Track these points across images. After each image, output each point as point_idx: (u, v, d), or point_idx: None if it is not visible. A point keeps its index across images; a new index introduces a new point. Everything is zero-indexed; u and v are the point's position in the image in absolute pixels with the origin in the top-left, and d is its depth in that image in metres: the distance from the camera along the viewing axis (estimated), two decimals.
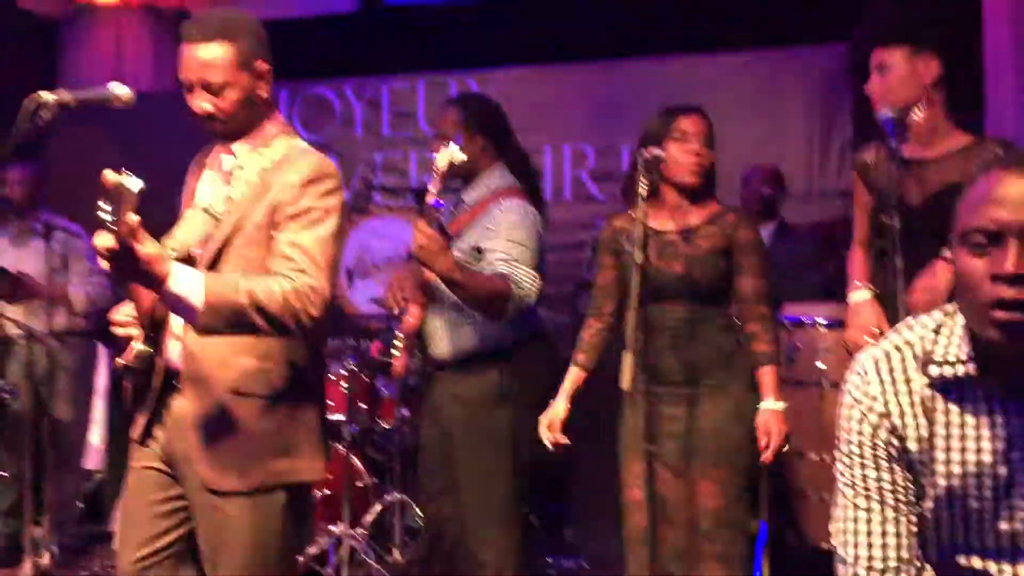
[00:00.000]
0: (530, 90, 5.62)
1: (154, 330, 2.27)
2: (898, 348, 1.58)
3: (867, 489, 1.59)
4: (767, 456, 2.78)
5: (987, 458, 1.51)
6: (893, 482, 1.57)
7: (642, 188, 2.71)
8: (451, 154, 2.69)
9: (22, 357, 4.20)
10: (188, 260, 2.17)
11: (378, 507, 4.29)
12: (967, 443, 1.52)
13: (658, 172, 2.85)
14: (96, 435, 5.15)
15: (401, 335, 3.12)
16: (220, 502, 2.21)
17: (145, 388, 2.29)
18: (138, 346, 2.25)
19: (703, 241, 2.88)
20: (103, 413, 5.25)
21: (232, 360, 2.21)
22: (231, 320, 2.06)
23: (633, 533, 2.86)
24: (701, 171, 2.88)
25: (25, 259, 4.64)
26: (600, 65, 5.76)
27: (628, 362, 2.53)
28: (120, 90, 2.13)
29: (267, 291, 2.09)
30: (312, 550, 4.10)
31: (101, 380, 5.19)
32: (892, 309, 2.64)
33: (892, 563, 1.57)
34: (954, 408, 1.53)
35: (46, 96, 2.03)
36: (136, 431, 2.33)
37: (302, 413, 2.29)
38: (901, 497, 1.57)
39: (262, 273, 2.16)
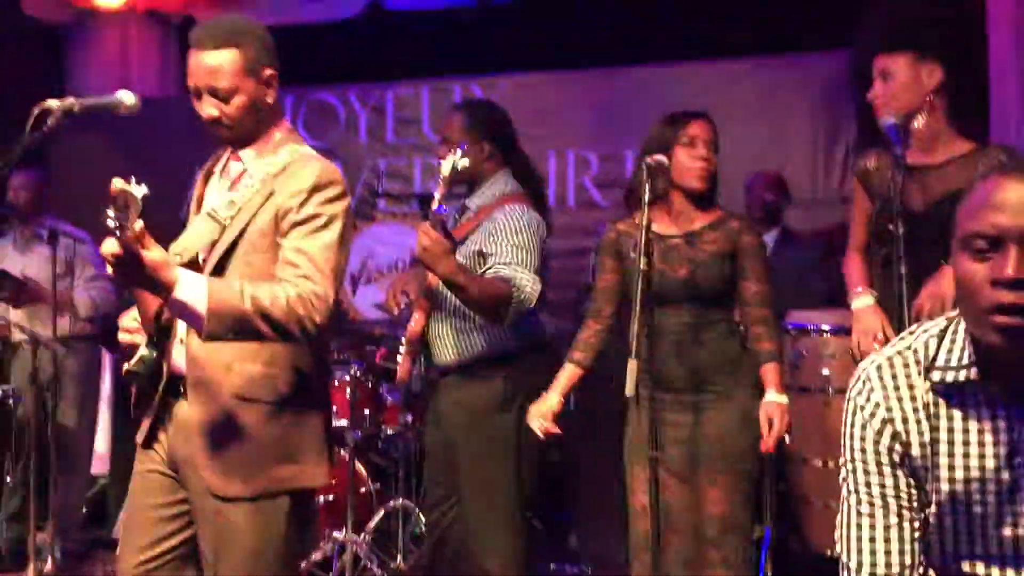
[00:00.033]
0: (534, 96, 5.62)
1: (159, 335, 2.27)
2: (900, 354, 1.58)
3: (870, 495, 1.59)
4: (768, 444, 2.77)
5: (990, 463, 1.51)
6: (896, 488, 1.57)
7: (645, 194, 2.72)
8: (455, 160, 2.70)
9: (27, 362, 4.21)
10: (194, 266, 2.18)
11: (381, 513, 4.29)
12: (970, 448, 1.52)
13: (666, 178, 2.87)
14: (100, 441, 5.16)
15: (405, 341, 3.13)
16: (224, 507, 2.22)
17: (150, 392, 2.30)
18: (143, 350, 2.26)
19: (707, 245, 2.89)
20: (107, 419, 5.26)
21: (237, 366, 2.22)
22: (236, 327, 2.07)
23: (639, 540, 2.86)
24: (709, 176, 2.91)
25: (30, 264, 4.66)
26: (604, 71, 5.77)
27: (632, 368, 2.53)
28: (126, 97, 2.14)
29: (272, 298, 2.09)
30: (315, 556, 4.10)
31: (106, 386, 5.21)
32: (897, 315, 2.64)
33: (895, 569, 1.57)
34: (957, 413, 1.53)
35: (52, 104, 2.04)
36: (140, 435, 2.34)
37: (307, 419, 2.29)
38: (904, 503, 1.57)
39: (267, 279, 2.17)
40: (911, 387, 1.56)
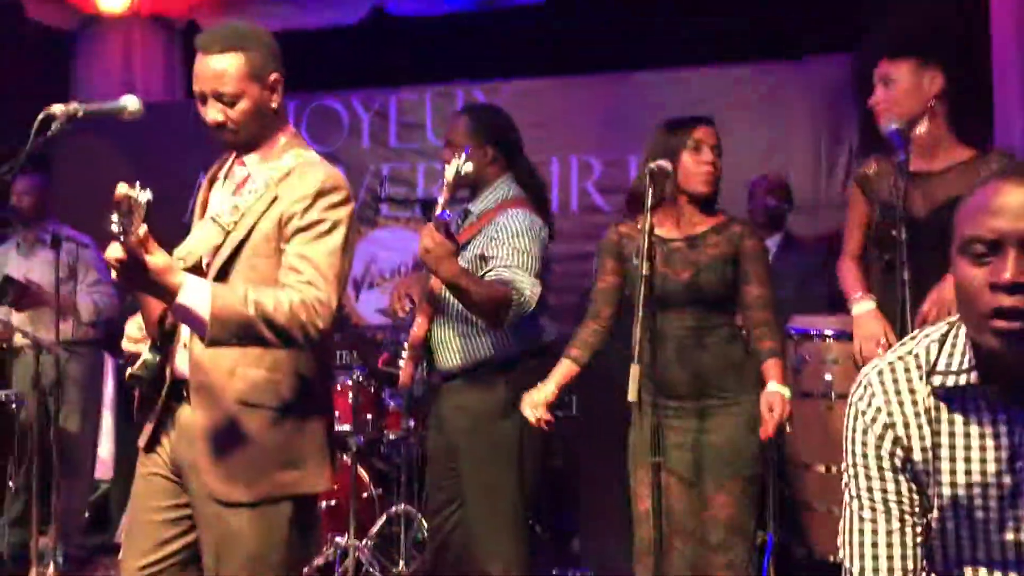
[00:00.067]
0: (537, 101, 5.62)
1: (163, 339, 2.28)
2: (902, 359, 1.58)
3: (872, 500, 1.59)
4: (767, 431, 2.76)
5: (992, 467, 1.51)
6: (898, 493, 1.57)
7: (648, 199, 2.72)
8: (459, 165, 2.71)
9: (30, 366, 4.22)
10: (197, 270, 2.18)
11: (384, 518, 4.29)
12: (971, 452, 1.52)
13: (673, 183, 2.87)
14: (104, 446, 5.16)
15: (407, 346, 3.13)
16: (226, 512, 2.22)
17: (152, 397, 2.30)
18: (146, 355, 2.26)
19: (710, 249, 2.90)
20: (111, 423, 5.27)
21: (241, 371, 2.22)
22: (239, 332, 2.07)
23: (643, 544, 2.87)
24: (714, 181, 2.92)
25: (33, 268, 4.67)
26: (606, 77, 5.77)
27: (635, 373, 2.53)
28: (131, 103, 2.15)
29: (275, 303, 2.09)
30: (318, 561, 4.11)
31: (108, 390, 5.21)
32: (899, 320, 2.64)
33: (898, 574, 1.57)
34: (958, 418, 1.53)
35: (56, 109, 2.05)
36: (143, 439, 2.34)
37: (310, 425, 2.30)
38: (907, 508, 1.57)
39: (271, 284, 2.17)
40: (912, 392, 1.56)
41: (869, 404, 1.59)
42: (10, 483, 4.50)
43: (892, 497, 1.57)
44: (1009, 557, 1.51)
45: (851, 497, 1.62)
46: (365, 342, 4.78)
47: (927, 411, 1.55)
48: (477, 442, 3.02)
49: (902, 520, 1.57)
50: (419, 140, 6.05)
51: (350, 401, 4.28)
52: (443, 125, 5.38)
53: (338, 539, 4.14)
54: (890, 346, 2.53)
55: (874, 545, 1.58)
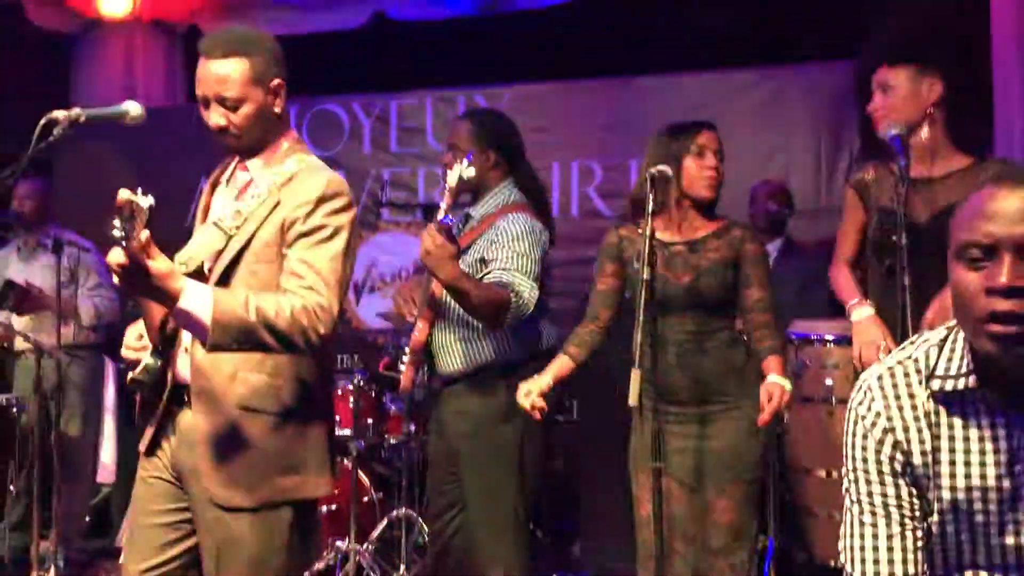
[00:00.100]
0: (538, 106, 5.63)
1: (164, 344, 2.28)
2: (901, 363, 1.59)
3: (872, 505, 1.59)
4: (764, 418, 2.76)
5: (991, 471, 1.51)
6: (899, 497, 1.58)
7: (649, 203, 2.72)
8: (461, 170, 2.71)
9: (31, 370, 4.22)
10: (199, 275, 2.18)
11: (384, 523, 4.29)
12: (971, 456, 1.53)
13: (677, 187, 2.88)
14: (106, 450, 5.16)
15: (408, 350, 3.13)
16: (226, 517, 2.22)
17: (154, 401, 2.31)
18: (147, 359, 2.27)
19: (710, 253, 2.91)
20: (112, 428, 5.27)
21: (242, 376, 2.22)
22: (240, 337, 2.07)
23: (645, 549, 2.87)
24: (718, 185, 2.93)
25: (34, 273, 4.68)
26: (608, 82, 5.77)
27: (635, 378, 2.54)
28: (132, 108, 2.16)
29: (276, 308, 2.09)
30: (318, 566, 4.10)
31: (109, 394, 5.21)
32: (900, 326, 2.64)
33: None
34: (957, 421, 1.54)
35: (58, 114, 2.05)
36: (143, 443, 2.34)
37: (311, 430, 2.30)
38: (907, 512, 1.57)
39: (272, 289, 2.18)
40: (912, 396, 1.56)
41: (869, 409, 1.59)
42: (11, 487, 4.50)
43: (892, 501, 1.58)
44: (1009, 561, 1.52)
45: (851, 502, 1.62)
46: (366, 346, 4.78)
47: (927, 415, 1.55)
48: (478, 446, 3.03)
49: (902, 524, 1.57)
50: (420, 145, 6.05)
51: (351, 405, 4.28)
52: (444, 130, 5.40)
53: (339, 543, 4.14)
54: (890, 351, 2.53)
55: (875, 549, 1.58)
